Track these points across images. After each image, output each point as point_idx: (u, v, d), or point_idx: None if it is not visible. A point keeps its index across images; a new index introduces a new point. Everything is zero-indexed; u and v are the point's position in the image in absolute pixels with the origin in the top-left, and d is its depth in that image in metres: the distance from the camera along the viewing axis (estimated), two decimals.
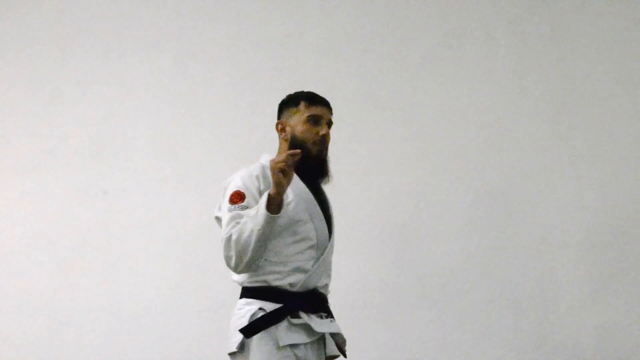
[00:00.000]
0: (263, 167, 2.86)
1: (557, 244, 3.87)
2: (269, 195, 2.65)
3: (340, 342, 2.85)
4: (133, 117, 4.37)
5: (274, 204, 2.65)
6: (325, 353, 2.83)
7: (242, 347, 2.78)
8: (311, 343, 2.77)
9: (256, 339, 2.75)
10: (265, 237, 2.67)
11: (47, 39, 4.50)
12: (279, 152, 2.91)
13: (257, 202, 2.74)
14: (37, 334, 4.29)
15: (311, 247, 2.80)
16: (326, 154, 2.90)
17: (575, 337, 3.81)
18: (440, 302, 3.94)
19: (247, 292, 2.82)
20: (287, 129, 2.92)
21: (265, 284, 2.79)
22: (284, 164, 2.61)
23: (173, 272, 4.22)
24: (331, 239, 2.85)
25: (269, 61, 4.25)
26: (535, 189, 3.92)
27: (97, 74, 4.42)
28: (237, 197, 2.80)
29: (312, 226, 2.81)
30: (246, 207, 2.75)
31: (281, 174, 2.61)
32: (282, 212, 2.66)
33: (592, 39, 3.96)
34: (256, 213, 2.66)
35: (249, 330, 2.75)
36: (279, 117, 2.99)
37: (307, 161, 2.81)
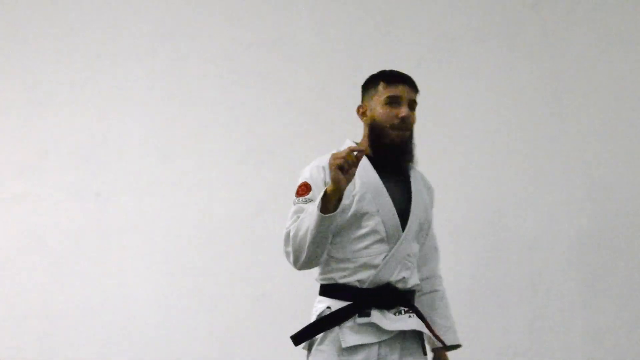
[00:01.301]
0: (321, 161, 2.70)
1: (546, 247, 3.88)
2: (325, 192, 2.49)
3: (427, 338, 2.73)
4: (126, 119, 4.37)
5: (331, 202, 2.48)
6: (421, 347, 2.70)
7: (309, 346, 2.69)
8: (391, 340, 2.62)
9: (319, 340, 2.65)
10: (323, 235, 2.51)
11: (40, 40, 4.50)
12: (363, 138, 2.78)
13: (320, 192, 2.56)
14: (30, 335, 4.29)
15: (379, 240, 2.64)
16: (409, 136, 2.75)
17: (564, 341, 3.82)
18: None
19: (321, 289, 2.72)
20: (368, 112, 2.77)
21: (333, 282, 2.67)
22: (342, 160, 2.43)
23: (166, 274, 4.22)
24: (405, 230, 2.66)
25: (262, 63, 4.26)
26: (526, 192, 3.93)
27: (91, 76, 4.42)
28: (303, 189, 2.66)
29: (380, 219, 2.64)
30: (311, 200, 2.61)
31: (340, 170, 2.44)
32: (340, 209, 2.49)
33: (583, 43, 3.97)
34: (312, 211, 2.51)
35: (298, 338, 2.66)
36: (362, 101, 2.85)
37: (387, 146, 2.70)
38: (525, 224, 3.91)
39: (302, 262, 2.58)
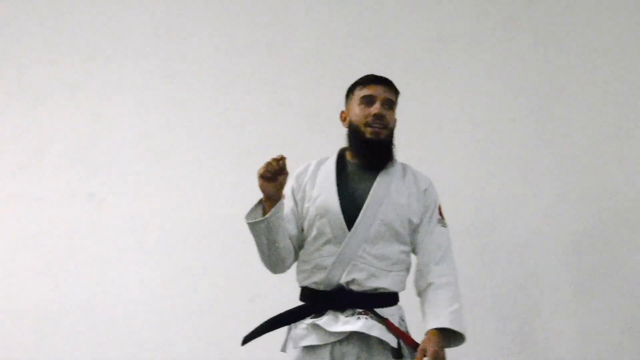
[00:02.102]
0: (311, 164, 2.83)
1: (539, 249, 3.89)
2: (260, 200, 2.63)
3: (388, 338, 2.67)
4: (120, 120, 4.37)
5: (266, 210, 2.60)
6: (391, 350, 2.66)
7: (284, 348, 2.79)
8: (347, 343, 2.63)
9: (287, 342, 2.75)
10: (263, 241, 2.63)
11: (34, 41, 4.50)
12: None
13: (292, 206, 2.76)
14: (24, 336, 4.29)
15: (328, 242, 2.69)
16: (387, 135, 2.77)
17: (557, 342, 3.83)
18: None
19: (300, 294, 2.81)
20: (347, 117, 2.83)
21: (300, 284, 2.77)
22: (263, 169, 2.56)
23: (160, 275, 4.22)
24: (352, 231, 2.67)
25: (256, 65, 4.26)
26: (519, 194, 3.94)
27: (85, 77, 4.43)
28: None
29: (326, 220, 2.69)
30: (289, 211, 2.77)
31: (263, 179, 2.57)
32: (271, 214, 2.57)
33: (576, 45, 3.98)
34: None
35: (246, 339, 2.75)
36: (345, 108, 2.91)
37: (363, 145, 2.74)
38: (518, 226, 3.92)
39: (268, 266, 2.73)
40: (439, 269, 2.75)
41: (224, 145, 4.24)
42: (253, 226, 2.62)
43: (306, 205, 2.75)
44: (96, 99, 4.40)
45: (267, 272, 2.87)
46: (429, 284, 2.73)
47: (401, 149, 4.07)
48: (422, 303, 2.75)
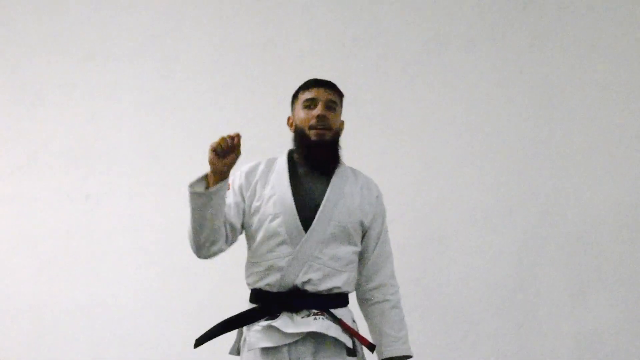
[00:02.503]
0: (261, 163, 2.81)
1: (536, 250, 3.89)
2: (206, 175, 2.61)
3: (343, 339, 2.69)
4: (116, 121, 4.37)
5: (210, 185, 2.58)
6: (346, 349, 2.68)
7: (237, 351, 2.77)
8: (303, 343, 2.64)
9: (242, 345, 2.72)
10: (198, 216, 2.59)
11: (30, 42, 4.49)
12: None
13: (238, 199, 2.73)
14: (21, 337, 4.28)
15: (283, 242, 2.68)
16: (330, 136, 2.77)
17: (553, 343, 3.83)
18: (421, 307, 3.95)
19: (250, 296, 2.79)
20: (293, 122, 2.84)
21: (252, 287, 2.76)
22: (216, 143, 2.53)
23: (156, 276, 4.22)
24: (309, 232, 2.67)
25: (252, 66, 4.26)
26: (515, 195, 3.94)
27: (81, 77, 4.42)
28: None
29: (281, 221, 2.68)
30: (232, 202, 2.74)
31: (214, 153, 2.54)
32: (215, 189, 2.56)
33: (572, 46, 3.99)
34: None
35: (199, 341, 2.73)
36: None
37: (308, 147, 2.74)
38: (514, 228, 3.93)
39: (195, 245, 2.67)
40: (394, 284, 2.84)
41: None
42: (194, 197, 2.58)
43: (256, 203, 2.73)
44: (93, 100, 4.39)
45: None
46: (386, 300, 2.81)
47: (397, 149, 4.09)
48: (375, 316, 2.81)
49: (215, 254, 2.73)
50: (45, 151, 4.40)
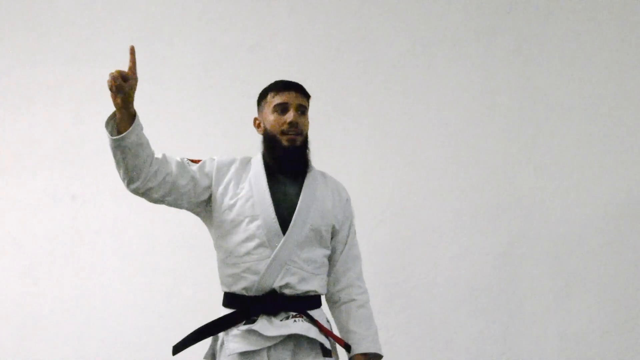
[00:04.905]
0: (236, 160, 2.81)
1: (521, 252, 3.91)
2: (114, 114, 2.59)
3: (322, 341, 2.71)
4: (103, 122, 4.32)
5: (119, 122, 2.57)
6: (323, 350, 2.70)
7: (212, 356, 2.76)
8: (281, 346, 2.65)
9: (219, 350, 2.72)
10: (121, 154, 2.57)
11: (15, 42, 4.48)
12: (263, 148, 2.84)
13: (198, 175, 2.73)
14: (6, 339, 4.26)
15: (260, 245, 2.68)
16: (301, 141, 2.78)
17: (538, 344, 3.85)
18: (407, 309, 3.96)
19: (223, 299, 2.79)
20: (262, 124, 2.85)
21: (227, 290, 2.76)
22: (109, 81, 2.49)
23: (142, 278, 4.21)
24: (286, 235, 2.68)
25: (239, 68, 4.26)
26: (500, 198, 3.96)
27: (67, 78, 4.40)
28: (196, 161, 2.81)
29: (260, 223, 2.68)
30: (187, 165, 2.75)
31: (111, 92, 2.51)
32: (128, 135, 2.55)
33: (557, 50, 4.01)
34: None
35: (177, 348, 2.71)
36: (257, 114, 2.91)
37: (279, 152, 2.74)
38: (500, 229, 3.94)
39: (122, 179, 2.64)
40: (360, 284, 2.87)
41: (208, 148, 4.23)
42: (114, 141, 2.56)
43: (230, 201, 2.72)
44: (78, 101, 4.38)
45: None
46: (352, 300, 2.84)
47: (384, 152, 4.10)
48: (342, 316, 2.84)
49: (137, 191, 2.69)
50: (31, 152, 4.38)
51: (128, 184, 2.66)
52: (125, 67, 2.56)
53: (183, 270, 4.18)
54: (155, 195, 2.71)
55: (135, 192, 2.69)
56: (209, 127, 4.25)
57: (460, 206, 3.98)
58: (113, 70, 2.49)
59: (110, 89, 2.50)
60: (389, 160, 4.09)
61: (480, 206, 3.97)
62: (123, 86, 2.50)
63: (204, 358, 2.81)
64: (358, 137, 4.11)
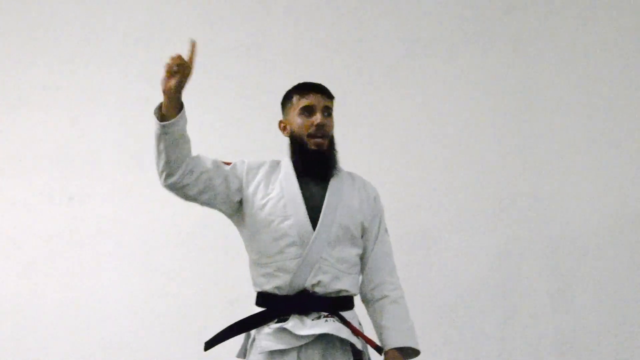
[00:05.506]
0: (265, 163, 2.83)
1: (518, 253, 3.92)
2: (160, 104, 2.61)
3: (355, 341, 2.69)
4: (100, 123, 4.36)
5: (168, 108, 2.61)
6: (353, 353, 2.69)
7: (244, 354, 2.76)
8: (312, 346, 2.64)
9: (250, 347, 2.72)
10: (164, 143, 2.61)
11: (13, 43, 4.48)
12: (289, 150, 2.85)
13: (230, 176, 2.73)
14: (3, 339, 4.26)
15: (292, 244, 2.69)
16: (328, 144, 2.79)
17: (534, 346, 3.85)
18: None
19: (257, 299, 2.78)
20: (288, 127, 2.85)
21: (259, 289, 2.75)
22: (168, 65, 2.54)
23: (139, 279, 4.21)
24: (315, 233, 2.68)
25: (236, 68, 4.27)
26: (497, 199, 3.96)
27: (64, 79, 4.41)
28: (227, 162, 2.80)
29: (291, 222, 2.69)
30: (221, 165, 2.76)
31: (168, 74, 2.56)
32: (176, 121, 2.57)
33: (554, 51, 4.02)
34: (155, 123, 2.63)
35: (209, 344, 2.71)
36: (282, 117, 2.91)
37: (307, 155, 2.76)
38: (497, 230, 3.95)
39: (160, 173, 2.66)
40: (393, 281, 2.85)
41: (205, 149, 4.22)
42: (155, 126, 2.59)
43: (262, 201, 2.73)
44: (76, 102, 4.39)
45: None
46: (384, 296, 2.81)
47: (380, 153, 4.10)
48: (376, 314, 2.82)
49: (174, 186, 2.70)
50: (29, 153, 4.38)
51: (166, 178, 2.67)
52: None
53: (181, 270, 4.18)
54: (191, 193, 2.72)
55: (172, 187, 2.69)
56: (206, 127, 4.24)
57: (458, 207, 3.99)
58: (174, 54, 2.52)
59: (169, 71, 2.53)
60: (386, 161, 4.10)
61: (478, 207, 3.97)
62: (184, 66, 2.54)
63: (237, 357, 2.79)
64: (355, 137, 4.11)
